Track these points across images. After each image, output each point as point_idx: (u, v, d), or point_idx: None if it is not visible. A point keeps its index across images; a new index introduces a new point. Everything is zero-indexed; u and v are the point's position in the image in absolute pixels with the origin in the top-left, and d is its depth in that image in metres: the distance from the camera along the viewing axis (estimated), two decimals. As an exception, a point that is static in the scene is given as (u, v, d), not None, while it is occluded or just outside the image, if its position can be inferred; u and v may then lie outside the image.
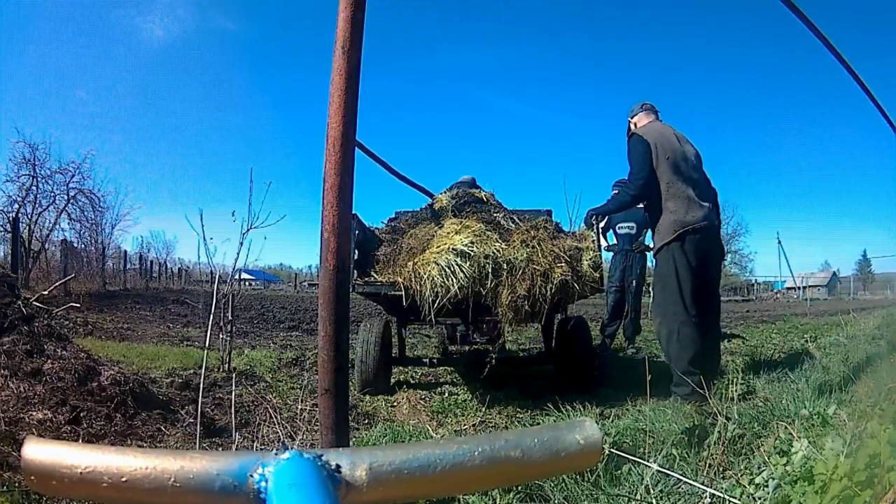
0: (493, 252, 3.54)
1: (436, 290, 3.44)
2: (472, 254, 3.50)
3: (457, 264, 3.46)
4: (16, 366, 2.62)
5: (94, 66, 60.28)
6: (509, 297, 3.49)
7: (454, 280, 3.43)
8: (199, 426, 2.10)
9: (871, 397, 2.37)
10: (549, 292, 3.49)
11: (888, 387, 2.31)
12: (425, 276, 3.47)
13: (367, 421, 3.29)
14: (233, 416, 2.41)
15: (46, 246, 15.42)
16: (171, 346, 6.05)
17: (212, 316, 2.50)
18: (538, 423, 3.03)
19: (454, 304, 3.49)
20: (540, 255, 3.57)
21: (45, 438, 0.36)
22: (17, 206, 14.57)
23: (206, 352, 2.64)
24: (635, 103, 4.05)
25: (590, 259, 3.71)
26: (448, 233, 3.70)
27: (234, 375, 3.50)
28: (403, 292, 3.50)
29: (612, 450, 1.91)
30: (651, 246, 3.90)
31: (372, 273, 3.77)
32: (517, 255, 3.56)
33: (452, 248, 3.52)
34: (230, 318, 3.48)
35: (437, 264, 3.48)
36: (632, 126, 3.95)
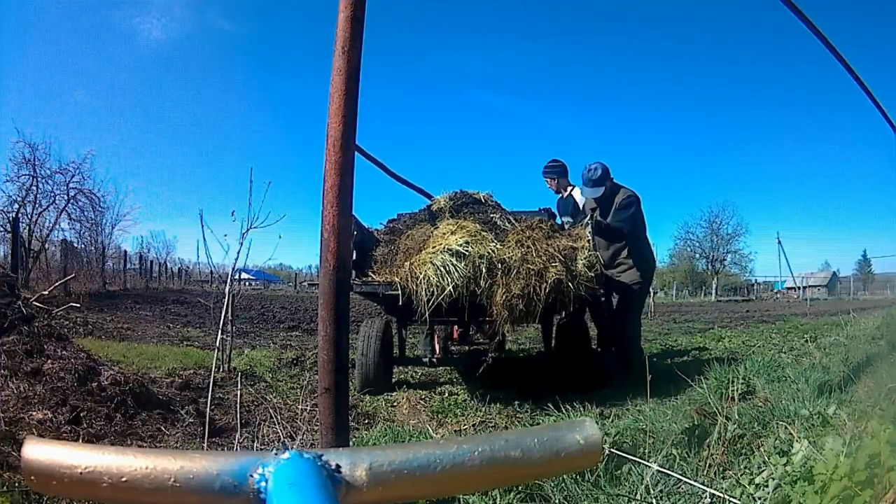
0: (488, 252, 3.58)
1: (431, 289, 3.48)
2: (467, 253, 3.54)
3: (452, 264, 3.51)
4: (16, 366, 2.62)
5: (93, 67, 60.11)
6: (504, 297, 3.52)
7: (449, 279, 3.48)
8: (206, 426, 2.11)
9: (871, 397, 2.36)
10: (543, 291, 3.52)
11: (888, 387, 2.31)
12: (421, 276, 3.52)
13: (367, 421, 3.30)
14: (238, 415, 2.41)
15: (46, 246, 15.41)
16: (171, 346, 6.05)
17: (223, 317, 2.50)
18: (538, 423, 3.03)
19: (449, 303, 3.53)
20: (534, 254, 3.59)
21: (45, 438, 0.36)
22: (17, 206, 14.57)
23: (216, 352, 2.65)
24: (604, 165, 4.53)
25: (585, 259, 3.74)
26: (444, 233, 3.74)
27: (238, 376, 3.50)
28: (400, 292, 3.55)
29: (612, 450, 1.92)
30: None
31: (369, 273, 3.82)
32: (512, 254, 3.59)
33: (448, 248, 3.57)
34: (230, 317, 3.48)
35: (433, 264, 3.53)
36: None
